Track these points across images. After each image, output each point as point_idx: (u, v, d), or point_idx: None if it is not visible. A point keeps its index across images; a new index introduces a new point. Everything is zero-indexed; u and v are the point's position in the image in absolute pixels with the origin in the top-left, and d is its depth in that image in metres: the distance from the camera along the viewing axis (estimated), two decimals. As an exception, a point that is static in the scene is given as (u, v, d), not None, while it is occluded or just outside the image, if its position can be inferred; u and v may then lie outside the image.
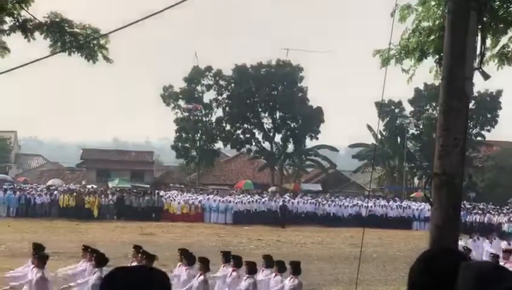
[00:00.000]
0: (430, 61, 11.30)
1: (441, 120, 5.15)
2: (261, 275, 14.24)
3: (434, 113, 66.18)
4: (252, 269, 13.60)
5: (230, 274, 14.30)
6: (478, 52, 5.42)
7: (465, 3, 5.06)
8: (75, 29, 9.31)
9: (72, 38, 8.96)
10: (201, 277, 13.42)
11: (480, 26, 5.25)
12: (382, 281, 23.64)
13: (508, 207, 52.73)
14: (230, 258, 14.72)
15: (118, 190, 52.14)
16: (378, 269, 26.73)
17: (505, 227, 44.55)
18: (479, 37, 5.33)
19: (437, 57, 11.01)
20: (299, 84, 65.92)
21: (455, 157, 5.06)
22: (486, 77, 5.67)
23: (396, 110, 68.88)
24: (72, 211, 44.31)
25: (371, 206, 49.32)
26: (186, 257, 14.54)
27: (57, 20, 9.85)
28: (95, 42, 9.62)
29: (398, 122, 68.10)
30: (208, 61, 66.54)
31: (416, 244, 36.62)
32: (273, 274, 13.89)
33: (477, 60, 5.40)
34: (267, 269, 14.39)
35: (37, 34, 10.10)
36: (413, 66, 11.47)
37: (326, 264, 27.10)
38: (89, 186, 56.65)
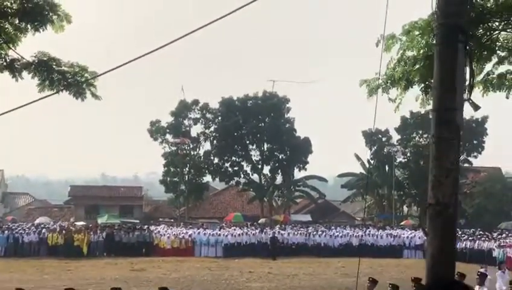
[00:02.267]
0: (416, 90, 11.44)
1: (433, 151, 5.19)
2: None
3: (421, 140, 66.60)
4: None
5: None
6: (467, 82, 5.49)
7: (452, 35, 5.14)
8: (63, 68, 9.33)
9: (60, 77, 8.97)
10: None
11: (468, 58, 5.32)
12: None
13: (498, 233, 52.74)
14: None
15: (107, 226, 51.78)
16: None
17: (495, 253, 44.53)
18: (468, 68, 5.40)
19: (422, 85, 11.15)
20: (286, 115, 66.15)
21: (448, 187, 5.10)
22: (476, 107, 5.74)
23: (384, 139, 69.16)
24: (61, 249, 43.96)
25: (362, 236, 49.33)
26: None
27: (45, 59, 9.87)
28: (83, 80, 9.63)
29: (385, 150, 68.26)
30: (194, 95, 66.95)
31: (408, 273, 36.60)
32: None
33: (467, 91, 5.46)
34: None
35: (24, 73, 10.12)
36: (400, 95, 11.59)
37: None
38: (79, 223, 56.27)
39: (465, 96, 5.37)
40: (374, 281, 15.68)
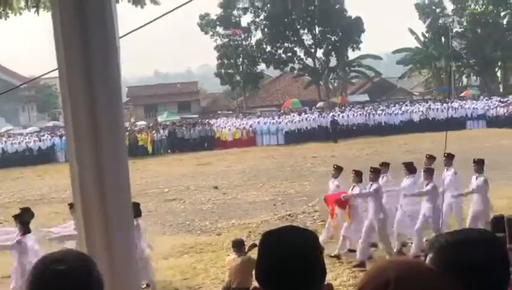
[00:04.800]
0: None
1: None
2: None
3: (477, 8, 64.49)
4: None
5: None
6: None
7: None
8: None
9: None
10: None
11: None
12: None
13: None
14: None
15: (168, 123, 52.70)
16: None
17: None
18: None
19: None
20: (335, -4, 64.72)
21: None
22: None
23: (437, 10, 67.30)
24: (127, 150, 45.00)
25: (422, 111, 48.99)
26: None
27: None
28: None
29: (440, 22, 66.51)
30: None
31: (470, 145, 36.46)
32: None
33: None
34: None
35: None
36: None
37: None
38: (140, 123, 57.41)
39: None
40: (432, 157, 15.62)
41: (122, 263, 2.28)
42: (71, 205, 12.22)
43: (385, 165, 15.29)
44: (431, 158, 15.48)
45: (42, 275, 2.10)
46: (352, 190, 14.05)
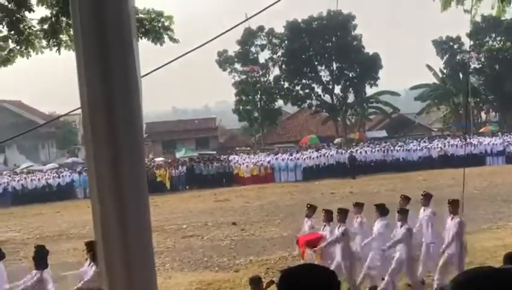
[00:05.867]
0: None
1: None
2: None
3: (495, 44, 64.53)
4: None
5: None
6: None
7: None
8: (140, 15, 9.48)
9: (138, 24, 9.11)
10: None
11: None
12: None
13: None
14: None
15: (186, 159, 52.88)
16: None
17: None
18: None
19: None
20: (352, 33, 65.06)
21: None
22: None
23: (455, 46, 67.42)
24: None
25: (441, 147, 48.80)
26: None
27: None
28: (160, 25, 9.76)
29: (458, 58, 66.57)
30: (259, 22, 66.20)
31: (491, 181, 36.17)
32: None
33: None
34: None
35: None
36: (475, 5, 11.23)
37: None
38: (158, 159, 57.63)
39: None
40: (407, 198, 15.45)
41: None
42: (87, 244, 12.18)
43: (359, 205, 15.05)
44: (406, 199, 15.22)
45: None
46: (323, 229, 14.14)
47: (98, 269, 10.72)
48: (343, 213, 13.84)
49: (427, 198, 14.76)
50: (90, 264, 11.77)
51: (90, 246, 11.67)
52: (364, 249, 14.11)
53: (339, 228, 13.62)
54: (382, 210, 13.95)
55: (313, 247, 14.01)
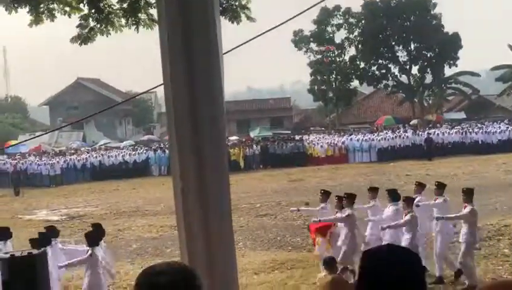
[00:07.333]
0: None
1: None
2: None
3: None
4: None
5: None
6: None
7: None
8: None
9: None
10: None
11: None
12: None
13: None
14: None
15: (260, 139, 53.09)
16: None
17: None
18: None
19: None
20: (432, 12, 63.55)
21: None
22: None
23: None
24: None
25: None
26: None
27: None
28: (237, 4, 9.79)
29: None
30: (335, 1, 65.46)
31: None
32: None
33: None
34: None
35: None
36: None
37: (480, 195, 26.35)
38: (232, 138, 58.06)
39: None
40: (421, 185, 15.11)
41: (223, 274, 2.30)
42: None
43: (374, 190, 15.18)
44: (420, 185, 15.03)
45: (145, 288, 2.14)
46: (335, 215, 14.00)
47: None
48: (350, 198, 13.96)
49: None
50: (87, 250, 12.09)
51: None
52: (373, 230, 14.19)
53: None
54: (394, 195, 14.09)
55: (323, 234, 13.93)
